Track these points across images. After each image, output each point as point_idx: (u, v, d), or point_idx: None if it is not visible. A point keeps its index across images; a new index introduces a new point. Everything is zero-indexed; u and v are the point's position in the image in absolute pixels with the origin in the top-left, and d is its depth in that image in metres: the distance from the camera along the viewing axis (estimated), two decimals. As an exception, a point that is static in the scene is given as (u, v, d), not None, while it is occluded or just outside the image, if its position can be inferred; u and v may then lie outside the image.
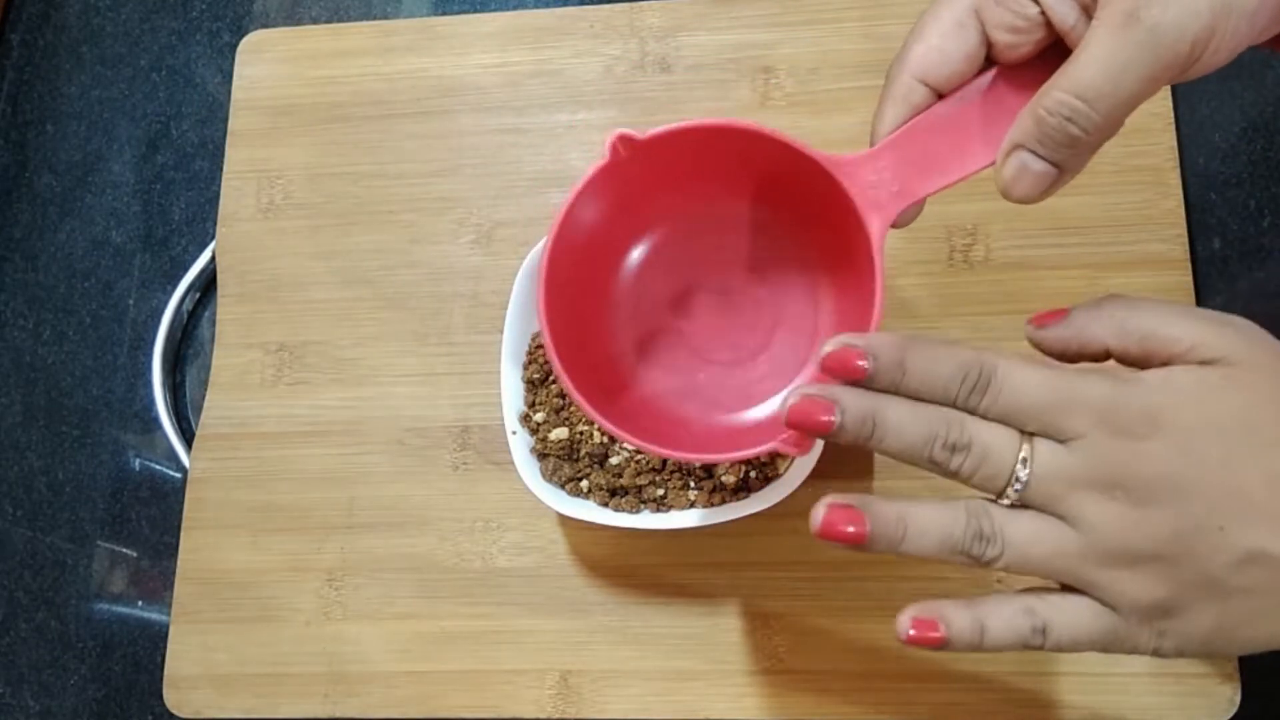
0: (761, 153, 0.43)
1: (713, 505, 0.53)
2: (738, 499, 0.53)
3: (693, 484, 0.54)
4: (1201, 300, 0.57)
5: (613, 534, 0.54)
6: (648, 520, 0.53)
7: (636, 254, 0.49)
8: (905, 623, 0.35)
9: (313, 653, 0.59)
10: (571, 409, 0.55)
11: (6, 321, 0.69)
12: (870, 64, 0.63)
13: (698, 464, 0.53)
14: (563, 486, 0.55)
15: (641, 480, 0.53)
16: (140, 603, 0.63)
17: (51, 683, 0.62)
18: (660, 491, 0.54)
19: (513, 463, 0.54)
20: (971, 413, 0.34)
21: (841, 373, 0.35)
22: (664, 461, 0.53)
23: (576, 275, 0.45)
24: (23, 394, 0.67)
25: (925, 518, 0.34)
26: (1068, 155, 0.34)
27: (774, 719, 0.55)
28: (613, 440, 0.54)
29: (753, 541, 0.57)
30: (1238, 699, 0.52)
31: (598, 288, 0.48)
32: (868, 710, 0.54)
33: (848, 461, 0.57)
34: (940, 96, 0.39)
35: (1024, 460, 0.33)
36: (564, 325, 0.44)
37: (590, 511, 0.54)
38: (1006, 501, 0.34)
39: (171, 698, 0.59)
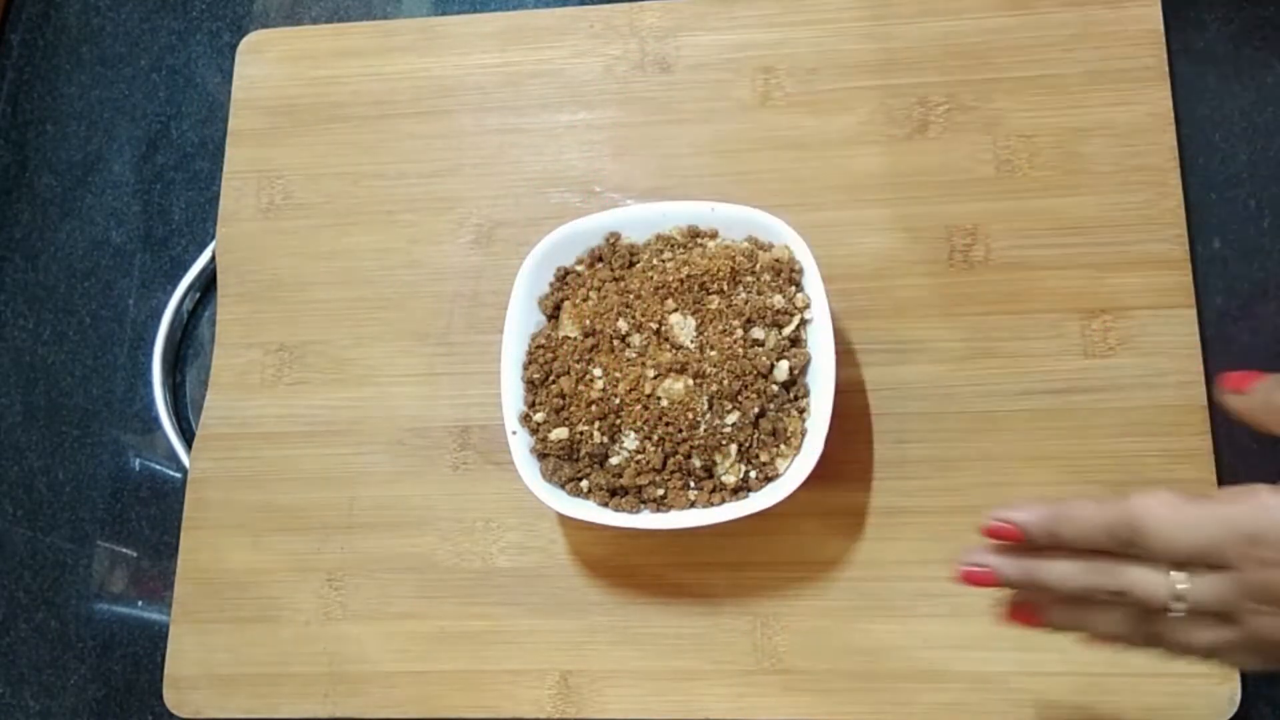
0: None
1: (713, 505, 0.53)
2: (737, 499, 0.53)
3: (693, 484, 0.54)
4: (1201, 300, 0.57)
5: (613, 534, 0.54)
6: (648, 520, 0.53)
7: None
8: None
9: (313, 653, 0.59)
10: (571, 409, 0.54)
11: (7, 321, 0.69)
12: (870, 64, 0.63)
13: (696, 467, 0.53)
14: (563, 486, 0.55)
15: (641, 480, 0.53)
16: (140, 603, 0.63)
17: (51, 682, 0.62)
18: (660, 491, 0.53)
19: (513, 463, 0.54)
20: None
21: (999, 539, 0.41)
22: (664, 461, 0.53)
23: None
24: (23, 394, 0.67)
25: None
26: None
27: (774, 719, 0.55)
28: (613, 440, 0.54)
29: (753, 541, 0.57)
30: (1238, 699, 0.52)
31: None
32: (867, 710, 0.54)
33: (848, 462, 0.57)
34: None
35: (1179, 595, 0.37)
36: None
37: (590, 511, 0.53)
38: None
39: (171, 697, 0.59)
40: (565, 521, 0.59)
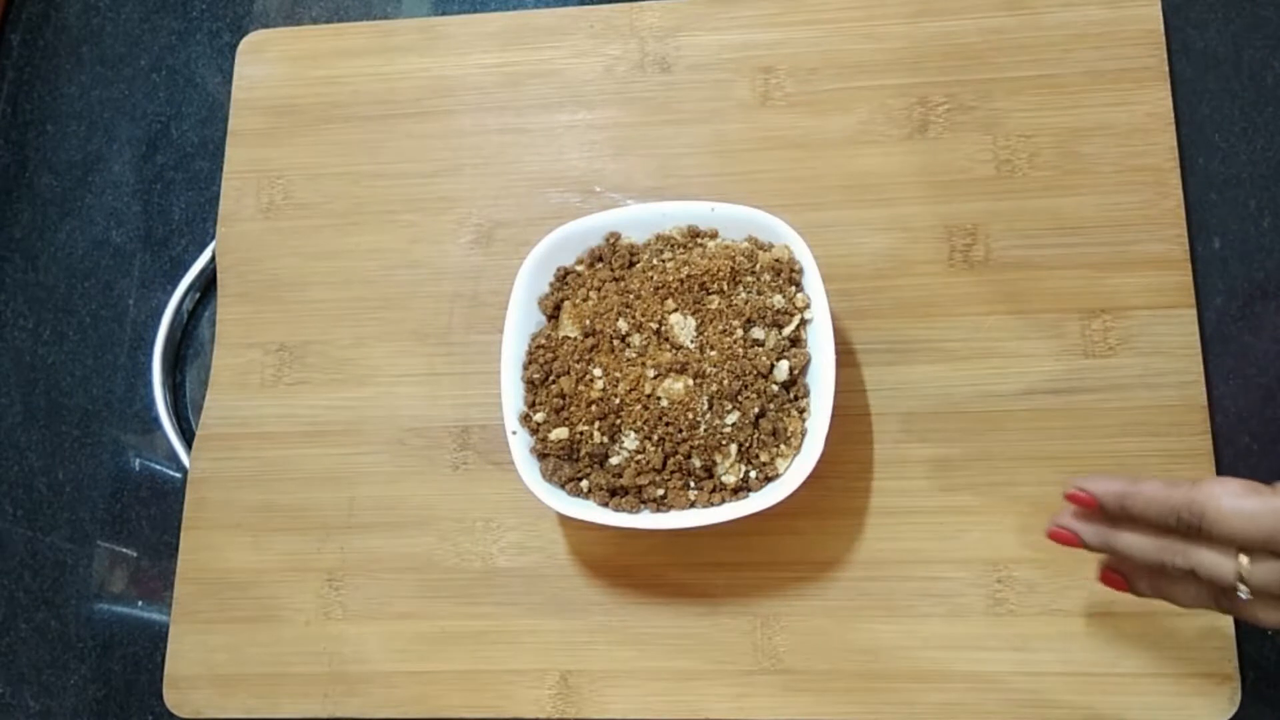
0: None
1: (713, 505, 0.53)
2: (738, 499, 0.53)
3: (693, 484, 0.53)
4: (1201, 299, 0.57)
5: (613, 534, 0.54)
6: (648, 520, 0.53)
7: None
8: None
9: (313, 653, 0.59)
10: (571, 409, 0.54)
11: (7, 322, 0.69)
12: (870, 64, 0.63)
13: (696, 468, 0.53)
14: (563, 486, 0.55)
15: (642, 480, 0.53)
16: (140, 603, 0.63)
17: (52, 682, 0.62)
18: (660, 491, 0.53)
19: (513, 463, 0.54)
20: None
21: (1077, 504, 0.45)
22: (664, 461, 0.53)
23: None
24: (23, 394, 0.67)
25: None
26: None
27: (774, 719, 0.55)
28: (613, 440, 0.54)
29: (753, 541, 0.57)
30: (1238, 698, 0.52)
31: None
32: (867, 710, 0.54)
33: (848, 462, 0.57)
34: None
35: (1244, 578, 0.40)
36: None
37: (590, 511, 0.53)
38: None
39: (171, 697, 0.59)
40: (565, 522, 0.59)
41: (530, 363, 0.56)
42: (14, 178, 0.71)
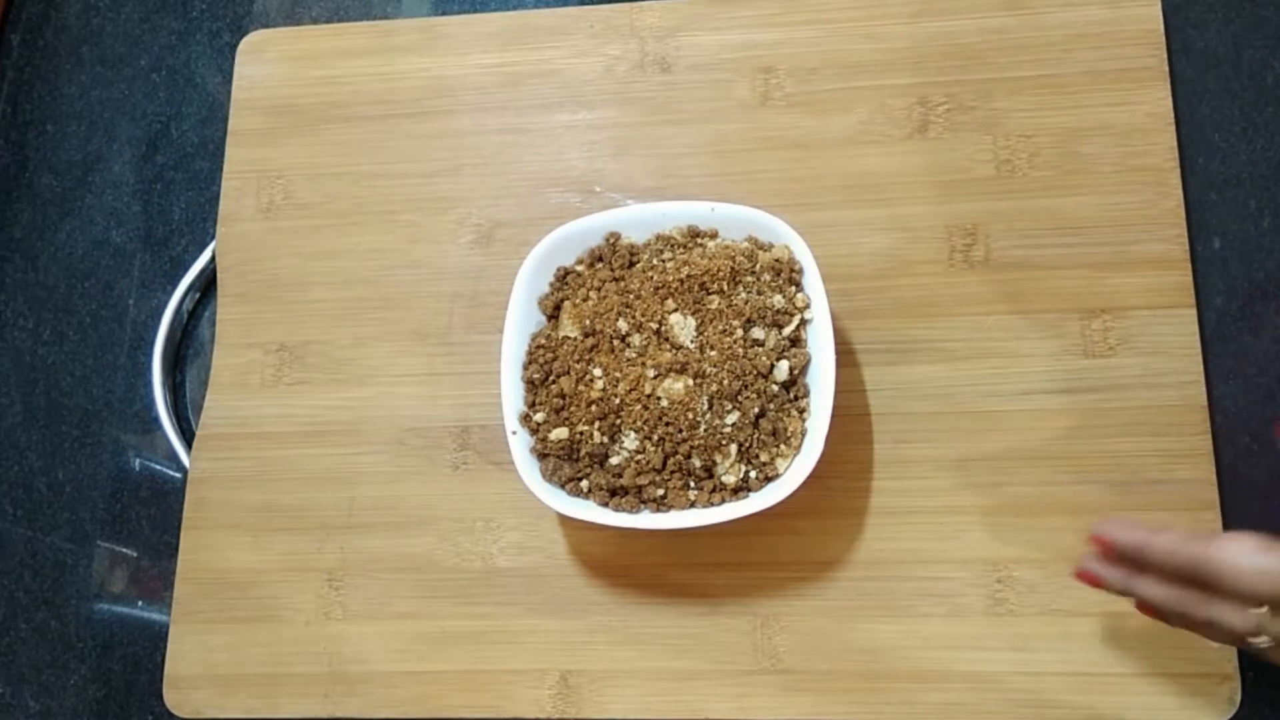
0: None
1: (713, 505, 0.53)
2: (738, 499, 0.53)
3: (693, 484, 0.53)
4: (1201, 299, 0.57)
5: (612, 534, 0.54)
6: (648, 520, 0.53)
7: None
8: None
9: (313, 652, 0.59)
10: (572, 409, 0.54)
11: (7, 322, 0.69)
12: (870, 64, 0.63)
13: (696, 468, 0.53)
14: (563, 486, 0.55)
15: (642, 480, 0.53)
16: (140, 603, 0.63)
17: (52, 682, 0.62)
18: (660, 491, 0.53)
19: (513, 463, 0.54)
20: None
21: (1098, 546, 0.47)
22: (664, 461, 0.53)
23: None
24: (23, 394, 0.67)
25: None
26: None
27: (774, 719, 0.55)
28: (613, 440, 0.54)
29: (753, 541, 0.57)
30: (1238, 699, 0.52)
31: None
32: (867, 710, 0.54)
33: (848, 462, 0.57)
34: None
35: (1260, 630, 0.41)
36: None
37: (590, 511, 0.53)
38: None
39: (171, 697, 0.59)
40: (565, 522, 0.59)
41: (530, 363, 0.56)
42: (14, 178, 0.71)
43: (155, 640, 0.61)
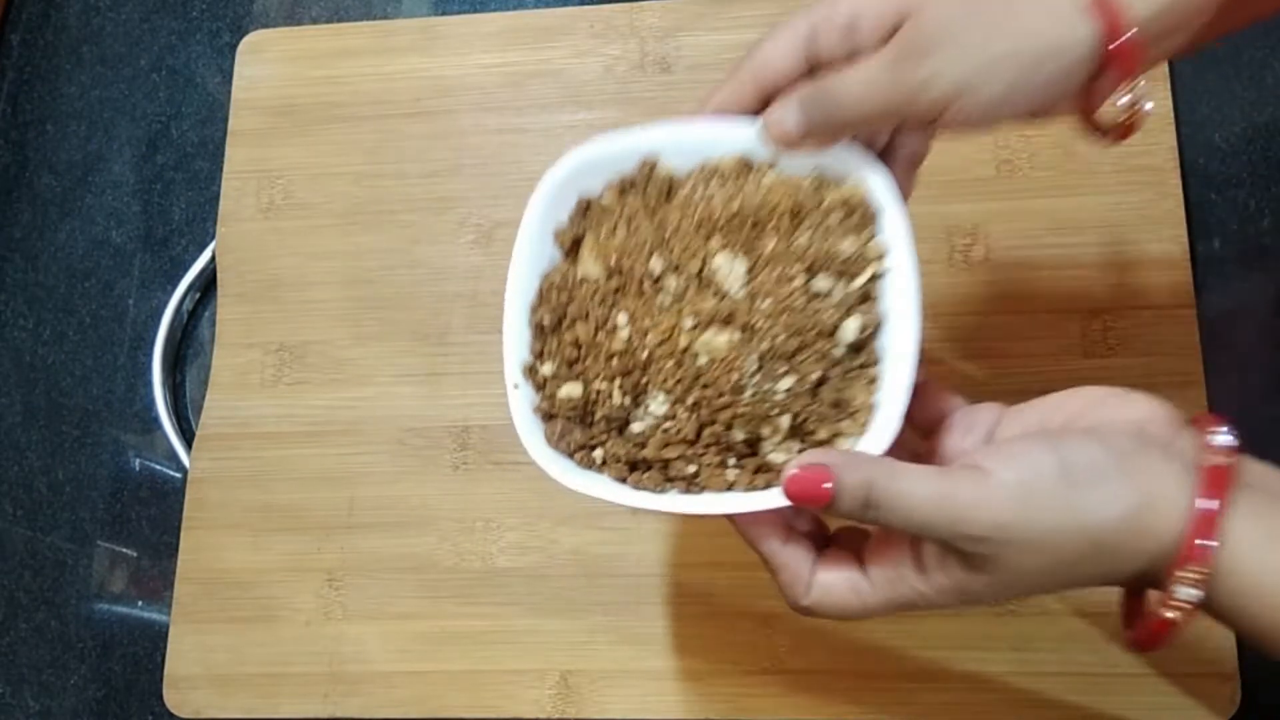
0: None
1: (755, 489, 0.42)
2: None
3: (732, 461, 0.42)
4: (1201, 300, 0.57)
5: (613, 533, 0.54)
6: (675, 503, 0.42)
7: None
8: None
9: (313, 652, 0.59)
10: (588, 362, 0.43)
11: (7, 321, 0.69)
12: (870, 64, 0.62)
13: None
14: (571, 455, 0.44)
15: (670, 453, 0.42)
16: (140, 603, 0.63)
17: (52, 682, 0.62)
18: (692, 468, 0.42)
19: (514, 461, 0.54)
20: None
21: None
22: (698, 431, 0.42)
23: None
24: (23, 394, 0.67)
25: None
26: (816, 125, 0.42)
27: (774, 719, 0.55)
28: (636, 402, 0.43)
29: (753, 541, 0.57)
30: (1238, 698, 0.52)
31: None
32: (867, 710, 0.54)
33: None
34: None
35: None
36: None
37: (604, 487, 0.42)
38: None
39: (171, 697, 0.59)
40: (566, 521, 0.59)
41: (540, 304, 0.45)
42: (14, 178, 0.71)
43: (155, 640, 0.61)
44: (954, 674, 0.54)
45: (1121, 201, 0.59)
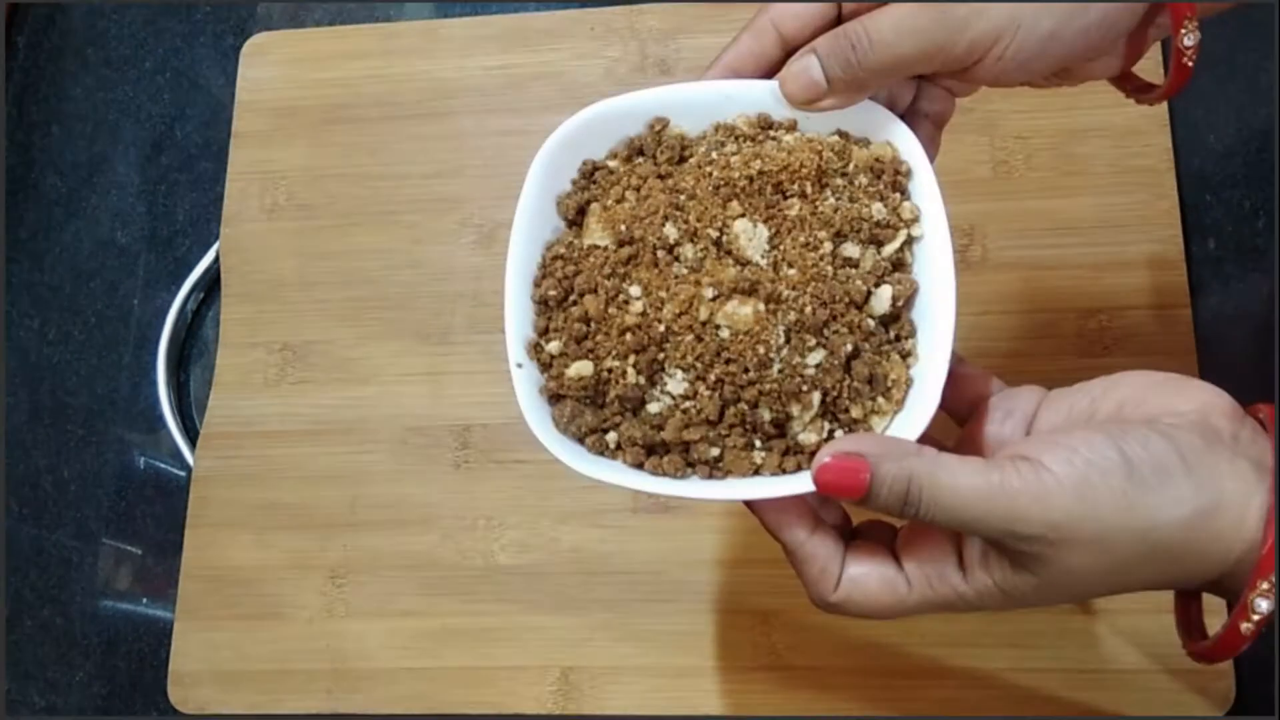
0: None
1: (785, 473, 0.39)
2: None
3: (759, 443, 0.39)
4: (1196, 300, 0.58)
5: (613, 531, 0.54)
6: (697, 488, 0.39)
7: None
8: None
9: (316, 649, 0.59)
10: (598, 338, 0.39)
11: (13, 321, 0.69)
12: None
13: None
14: (582, 440, 0.40)
15: (691, 435, 0.39)
16: (145, 600, 0.63)
17: (57, 679, 0.63)
18: (715, 452, 0.39)
19: (515, 460, 0.54)
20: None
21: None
22: (721, 411, 0.39)
23: None
24: (29, 393, 0.68)
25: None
26: (840, 77, 0.39)
27: (773, 715, 0.55)
28: (653, 381, 0.39)
29: (753, 539, 0.57)
30: (1233, 695, 0.52)
31: None
32: (866, 706, 0.55)
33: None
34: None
35: None
36: None
37: (621, 474, 0.39)
38: None
39: (176, 694, 0.60)
40: (566, 519, 0.59)
41: (544, 277, 0.41)
42: (20, 179, 0.71)
43: (160, 637, 0.62)
44: (952, 670, 0.54)
45: (1117, 202, 0.59)
